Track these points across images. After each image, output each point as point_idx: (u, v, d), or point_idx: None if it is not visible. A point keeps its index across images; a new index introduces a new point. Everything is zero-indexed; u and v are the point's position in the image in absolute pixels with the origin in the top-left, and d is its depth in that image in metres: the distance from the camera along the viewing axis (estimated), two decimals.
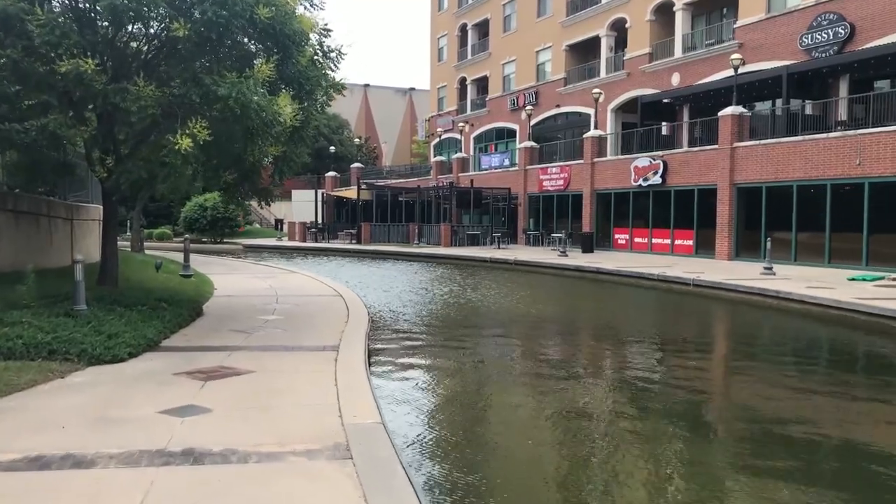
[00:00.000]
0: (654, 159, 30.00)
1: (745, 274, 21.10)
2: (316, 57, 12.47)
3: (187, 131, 9.46)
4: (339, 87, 13.10)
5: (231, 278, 19.13)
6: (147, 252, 26.42)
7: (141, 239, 26.36)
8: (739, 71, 30.48)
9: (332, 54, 12.57)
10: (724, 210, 26.68)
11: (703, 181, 27.89)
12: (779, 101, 29.56)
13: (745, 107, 27.81)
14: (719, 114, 27.14)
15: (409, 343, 11.78)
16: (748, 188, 26.15)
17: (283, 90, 10.92)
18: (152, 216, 54.34)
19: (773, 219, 25.17)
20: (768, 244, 21.74)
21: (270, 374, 7.77)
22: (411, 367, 9.97)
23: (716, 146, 27.27)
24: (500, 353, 11.28)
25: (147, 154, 10.79)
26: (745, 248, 26.39)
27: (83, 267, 9.95)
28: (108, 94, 9.22)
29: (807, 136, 23.90)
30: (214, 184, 12.07)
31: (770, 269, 21.29)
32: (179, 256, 27.32)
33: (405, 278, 24.63)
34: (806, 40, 27.92)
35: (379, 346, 11.19)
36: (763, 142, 25.45)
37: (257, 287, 17.06)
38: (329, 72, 12.75)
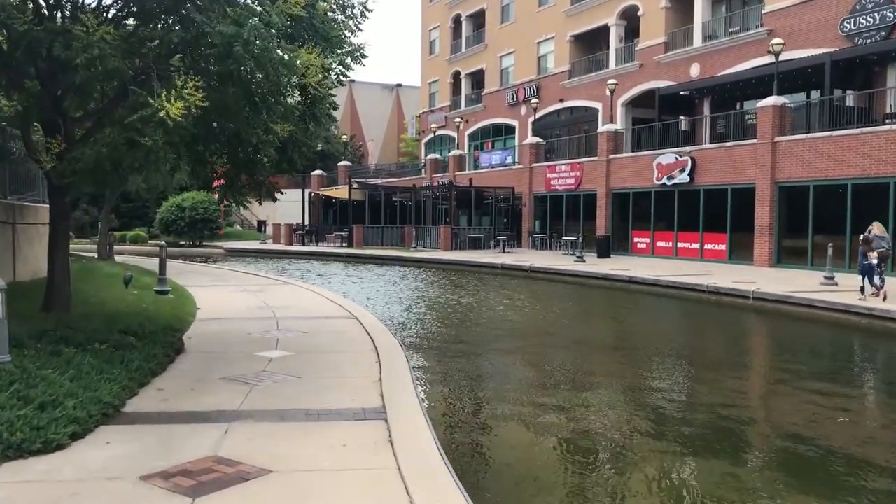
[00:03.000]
0: (681, 156, 27.36)
1: (804, 284, 18.50)
2: (332, 13, 9.60)
3: (174, 92, 6.51)
4: (361, 55, 10.22)
5: (216, 293, 16.10)
6: (117, 259, 23.20)
7: (110, 244, 23.09)
8: (769, 61, 28.07)
9: (354, 10, 9.71)
10: (763, 211, 24.09)
11: (738, 179, 25.28)
12: (814, 93, 27.16)
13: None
14: (758, 105, 24.55)
15: (473, 392, 8.88)
16: (792, 187, 23.57)
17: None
18: (126, 217, 50.76)
19: (822, 221, 22.63)
20: (829, 250, 19.14)
21: (296, 476, 4.85)
22: (503, 450, 7.07)
23: (754, 140, 24.68)
24: (616, 413, 8.11)
25: (111, 135, 7.80)
26: (788, 253, 23.83)
27: (20, 288, 6.98)
28: (40, 39, 6.18)
29: (865, 129, 21.37)
30: (200, 174, 9.09)
31: (831, 278, 18.69)
32: (155, 263, 24.10)
33: (415, 288, 21.74)
34: (848, 25, 25.44)
35: (434, 398, 8.30)
36: (811, 135, 22.88)
37: (249, 304, 14.07)
38: (349, 34, 9.88)
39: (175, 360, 8.50)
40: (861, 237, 16.51)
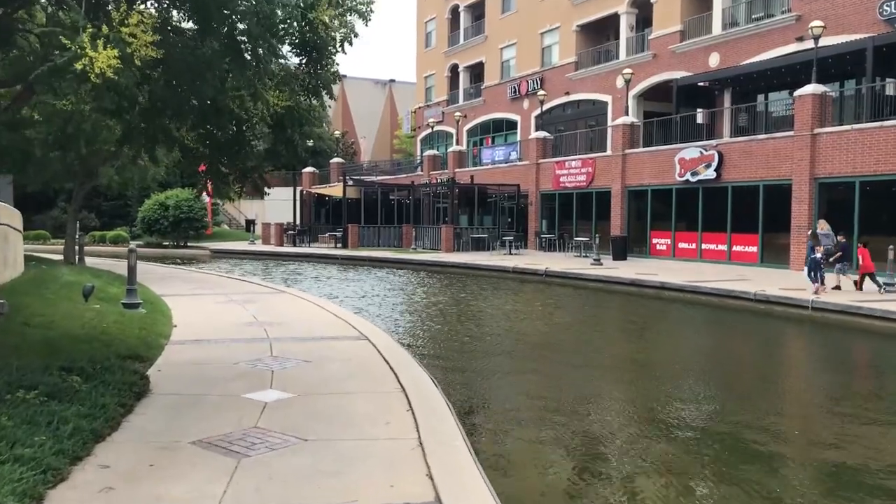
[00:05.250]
0: (706, 150, 25.24)
1: (862, 294, 16.44)
2: None
3: (111, 33, 4.27)
4: (369, 10, 8.04)
5: (198, 304, 13.79)
6: (88, 262, 20.74)
7: (80, 246, 20.54)
8: (797, 48, 26.13)
9: None
10: (801, 210, 21.99)
11: (771, 175, 23.19)
12: (847, 83, 25.19)
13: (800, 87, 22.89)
14: (796, 93, 22.44)
15: (559, 460, 6.59)
16: (834, 183, 21.50)
17: None
18: (106, 216, 48.29)
19: (870, 221, 20.53)
20: (890, 253, 17.07)
21: None
22: None
23: (790, 133, 22.60)
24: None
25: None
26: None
27: None
28: None
29: None
30: (158, 155, 6.77)
31: (893, 284, 16.67)
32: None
33: (424, 296, 19.55)
34: (888, 9, 23.47)
35: (503, 476, 6.01)
36: (858, 126, 20.80)
37: (237, 319, 11.78)
38: None
39: (134, 410, 6.22)
40: (810, 232, 17.42)
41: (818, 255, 16.27)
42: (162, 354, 8.63)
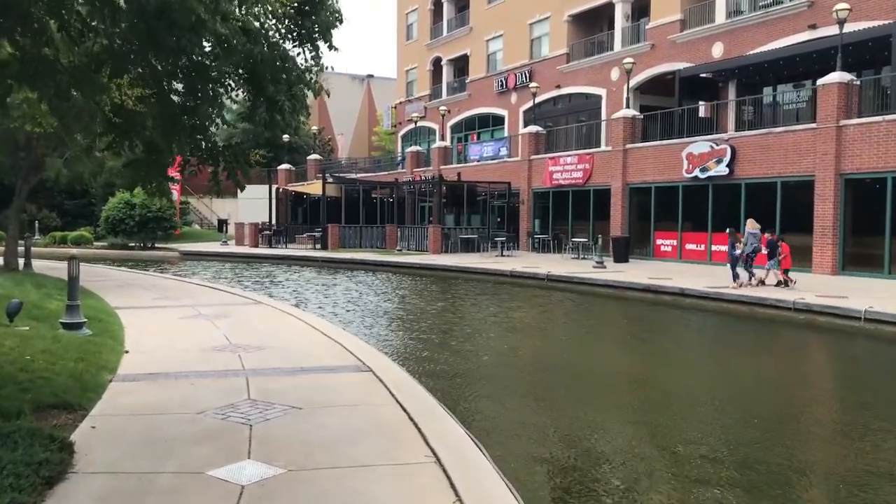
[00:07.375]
0: (717, 144, 23.47)
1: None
2: None
3: None
4: None
5: (159, 320, 11.58)
6: (38, 267, 18.27)
7: (27, 248, 17.94)
8: (809, 37, 24.55)
9: None
10: (825, 209, 20.30)
11: (790, 171, 21.48)
12: (866, 72, 23.59)
13: (813, 79, 21.19)
14: (819, 82, 20.72)
15: None
16: (863, 179, 19.83)
17: None
18: (70, 215, 45.54)
19: None
20: None
21: None
22: None
23: (812, 125, 20.90)
24: None
25: None
26: (857, 259, 20.07)
27: None
28: None
29: None
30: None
31: None
32: (92, 272, 19.32)
33: (421, 307, 17.44)
34: None
35: None
36: (889, 117, 19.10)
37: (205, 341, 9.61)
38: None
39: None
40: (728, 230, 18.17)
41: (737, 252, 17.19)
42: (102, 399, 6.46)
